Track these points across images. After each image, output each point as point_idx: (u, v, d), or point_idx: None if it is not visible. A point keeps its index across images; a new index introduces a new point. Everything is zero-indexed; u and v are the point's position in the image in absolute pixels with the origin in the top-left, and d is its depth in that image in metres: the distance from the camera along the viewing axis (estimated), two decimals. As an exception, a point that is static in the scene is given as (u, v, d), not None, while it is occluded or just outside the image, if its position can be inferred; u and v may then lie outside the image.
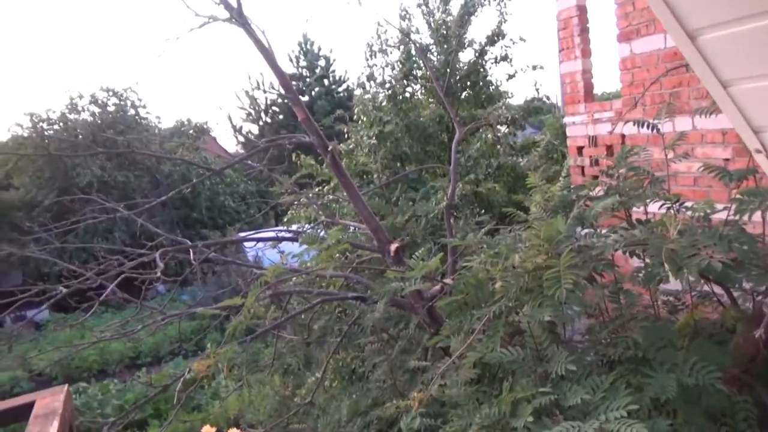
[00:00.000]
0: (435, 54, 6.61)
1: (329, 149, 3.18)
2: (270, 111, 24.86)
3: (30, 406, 1.15)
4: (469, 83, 6.83)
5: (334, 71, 25.85)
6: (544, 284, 1.89)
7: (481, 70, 6.80)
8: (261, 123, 24.85)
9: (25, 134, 19.27)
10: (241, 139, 24.86)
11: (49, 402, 1.15)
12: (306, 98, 24.39)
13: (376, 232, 3.38)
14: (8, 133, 19.73)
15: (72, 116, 19.66)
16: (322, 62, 25.59)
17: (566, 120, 4.83)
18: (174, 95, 49.88)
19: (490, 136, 7.45)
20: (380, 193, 5.51)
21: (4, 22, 46.54)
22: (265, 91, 25.48)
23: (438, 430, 2.15)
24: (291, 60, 25.30)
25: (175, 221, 19.16)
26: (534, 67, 6.96)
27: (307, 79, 24.92)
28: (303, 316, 4.37)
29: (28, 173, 18.94)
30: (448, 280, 2.74)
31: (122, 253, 3.81)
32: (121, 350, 14.16)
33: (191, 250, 3.49)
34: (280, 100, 24.66)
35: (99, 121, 19.52)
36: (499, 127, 7.15)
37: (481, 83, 6.86)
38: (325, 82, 25.18)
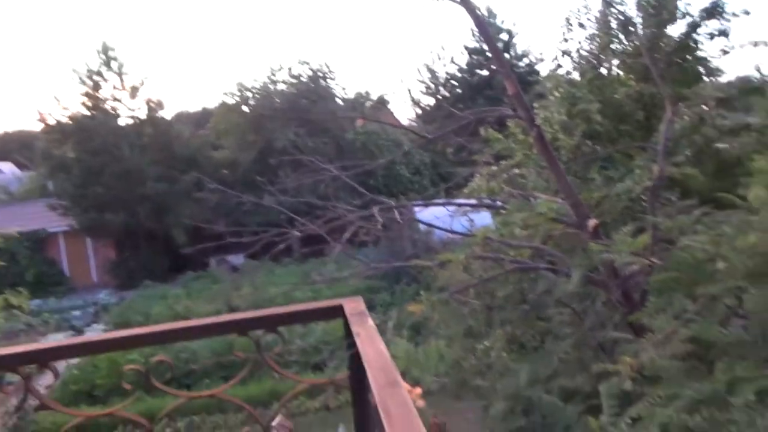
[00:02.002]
0: (640, 27, 6.24)
1: (536, 125, 3.27)
2: (448, 85, 25.12)
3: (339, 307, 1.47)
4: (677, 59, 6.36)
5: (515, 45, 25.26)
6: (778, 268, 1.85)
7: (693, 45, 6.27)
8: (439, 96, 25.23)
9: (233, 102, 21.75)
10: (419, 111, 25.49)
11: (356, 306, 1.45)
12: (486, 72, 24.21)
13: (576, 206, 3.42)
14: (219, 101, 22.40)
15: (271, 87, 21.72)
16: (504, 36, 25.12)
17: (795, 101, 4.33)
18: (357, 67, 52.39)
19: (688, 118, 6.89)
20: (571, 170, 5.44)
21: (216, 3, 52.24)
22: (446, 64, 25.71)
23: (640, 397, 2.21)
24: (473, 34, 25.21)
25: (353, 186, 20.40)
26: (756, 44, 6.23)
27: (487, 53, 24.67)
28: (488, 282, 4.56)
29: (234, 136, 21.40)
30: (655, 259, 2.72)
31: (312, 211, 4.26)
32: (302, 299, 15.63)
33: (397, 211, 3.82)
34: (458, 74, 24.78)
35: (295, 91, 21.32)
36: (705, 107, 6.58)
37: (690, 59, 6.34)
38: (506, 56, 24.72)
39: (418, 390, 7.61)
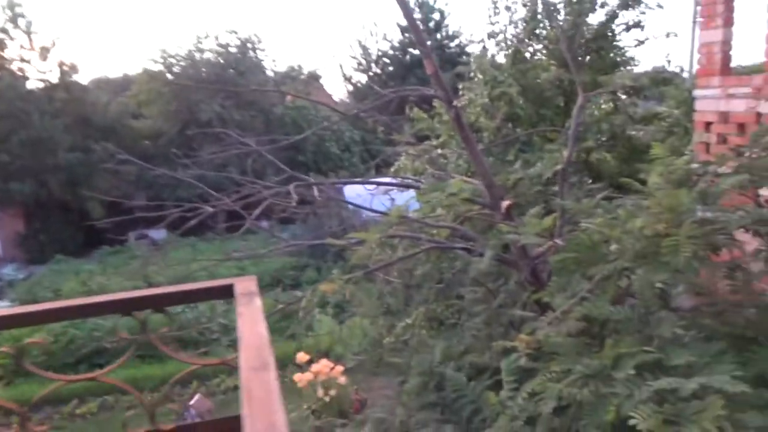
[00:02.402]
0: (562, 14, 6.42)
1: (454, 104, 3.30)
2: (380, 62, 25.02)
3: (230, 287, 1.43)
4: (594, 47, 6.60)
5: (447, 26, 25.44)
6: (662, 251, 1.96)
7: (610, 34, 6.53)
8: (371, 74, 25.11)
9: (156, 69, 20.74)
10: (350, 88, 25.28)
11: (247, 285, 1.41)
12: (416, 51, 24.27)
13: (491, 188, 3.50)
14: (142, 67, 21.29)
15: (198, 55, 20.85)
16: (436, 15, 25.24)
17: (696, 93, 4.61)
18: (287, 40, 51.17)
19: (605, 105, 7.21)
20: (491, 152, 5.56)
21: (142, -39, 49.29)
22: (379, 41, 25.58)
23: (537, 372, 2.31)
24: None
25: (282, 162, 20.07)
26: (668, 35, 6.57)
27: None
28: (408, 261, 4.62)
29: (156, 106, 20.45)
30: (558, 241, 2.84)
31: (235, 184, 4.16)
32: (226, 275, 15.34)
33: (315, 188, 3.78)
34: (390, 52, 24.72)
35: (222, 61, 20.58)
36: (619, 94, 6.90)
37: (607, 48, 6.60)
38: (438, 36, 24.88)
39: (340, 368, 7.65)
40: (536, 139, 6.87)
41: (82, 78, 20.10)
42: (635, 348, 2.01)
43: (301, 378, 8.54)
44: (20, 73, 18.13)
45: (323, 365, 8.40)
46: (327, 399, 8.57)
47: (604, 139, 7.06)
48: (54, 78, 18.67)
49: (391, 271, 4.44)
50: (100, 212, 17.88)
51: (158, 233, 19.02)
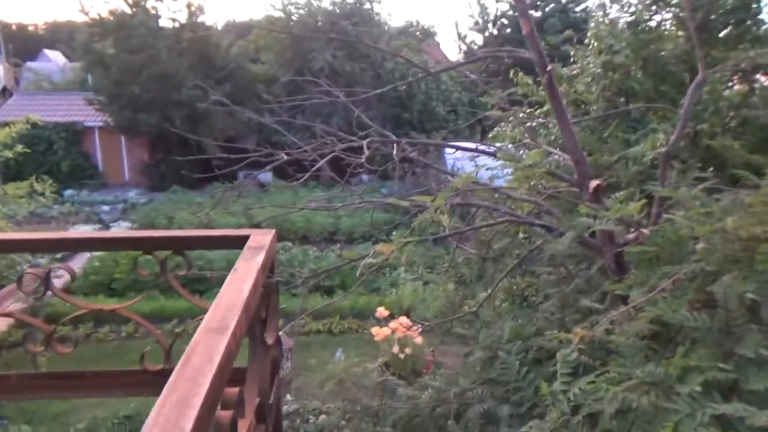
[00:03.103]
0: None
1: (548, 69, 3.04)
2: (498, 23, 24.01)
3: (245, 237, 1.40)
4: (734, 20, 5.82)
5: (575, -12, 23.82)
6: (757, 257, 1.69)
7: (755, 6, 5.71)
8: (486, 34, 24.19)
9: (276, 16, 21.25)
10: (464, 47, 24.57)
11: (261, 239, 1.38)
12: (538, 13, 23.00)
13: (579, 164, 3.22)
14: (264, 12, 21.90)
15: (315, 3, 21.07)
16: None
17: None
18: (409, -6, 50.42)
19: (738, 85, 6.40)
20: (593, 126, 5.15)
21: None
22: (497, 0, 24.52)
23: (593, 372, 2.13)
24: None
25: (387, 118, 20.11)
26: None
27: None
28: (486, 232, 4.45)
29: (273, 52, 21.05)
30: (645, 230, 2.56)
31: (337, 136, 4.16)
32: (323, 223, 15.80)
33: (395, 145, 3.68)
34: (510, 13, 23.61)
35: (338, 11, 20.67)
36: (759, 76, 6.08)
37: (749, 21, 5.80)
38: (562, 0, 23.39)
39: (416, 328, 7.65)
40: (651, 118, 6.27)
41: (209, 19, 21.04)
42: (708, 362, 1.77)
43: (378, 332, 8.72)
44: (153, 11, 19.27)
45: (401, 323, 8.52)
46: (401, 356, 8.70)
47: (732, 124, 6.30)
48: (182, 18, 19.69)
49: (467, 240, 4.29)
50: (214, 149, 18.97)
51: (265, 176, 19.89)
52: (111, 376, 1.52)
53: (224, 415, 0.88)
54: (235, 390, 0.94)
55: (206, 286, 10.80)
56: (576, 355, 2.09)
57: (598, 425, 2.23)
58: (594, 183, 3.13)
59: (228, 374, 0.89)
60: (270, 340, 1.42)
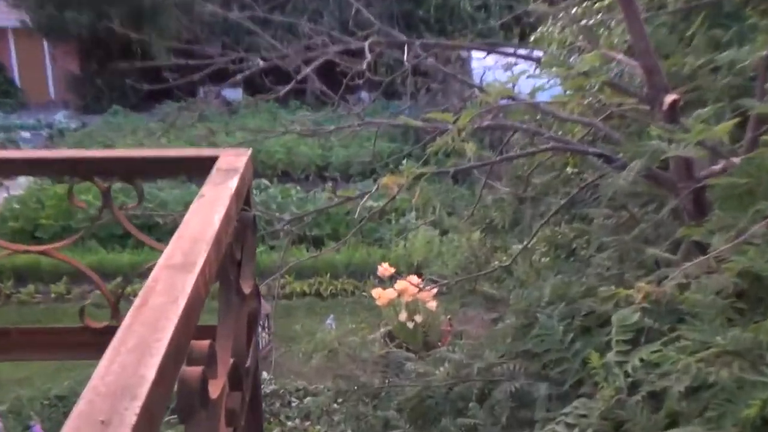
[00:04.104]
0: None
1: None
2: None
3: (213, 159, 1.39)
4: None
5: None
6: None
7: None
8: None
9: None
10: None
11: (233, 160, 1.37)
12: None
13: (651, 73, 3.18)
14: None
15: None
16: None
17: None
18: None
19: None
20: (671, 23, 5.04)
21: None
22: None
23: (660, 338, 2.16)
24: None
25: (395, 16, 19.73)
26: None
27: None
28: (524, 164, 4.44)
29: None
30: (735, 159, 2.55)
31: (329, 37, 4.09)
32: (310, 155, 15.73)
33: (406, 48, 3.63)
34: None
35: None
36: None
37: None
38: None
39: (432, 289, 7.76)
40: (749, 13, 6.12)
41: None
42: (809, 325, 1.80)
43: (381, 295, 8.78)
44: None
45: (411, 283, 8.57)
46: (410, 325, 8.83)
47: None
48: None
49: (498, 175, 4.29)
50: (165, 57, 18.74)
51: (234, 92, 19.73)
52: (43, 334, 1.54)
53: (192, 371, 0.89)
54: (204, 343, 0.96)
55: (160, 234, 10.90)
56: (638, 316, 2.12)
57: (663, 406, 2.29)
58: (670, 97, 3.10)
59: (195, 321, 0.91)
60: (246, 289, 1.43)
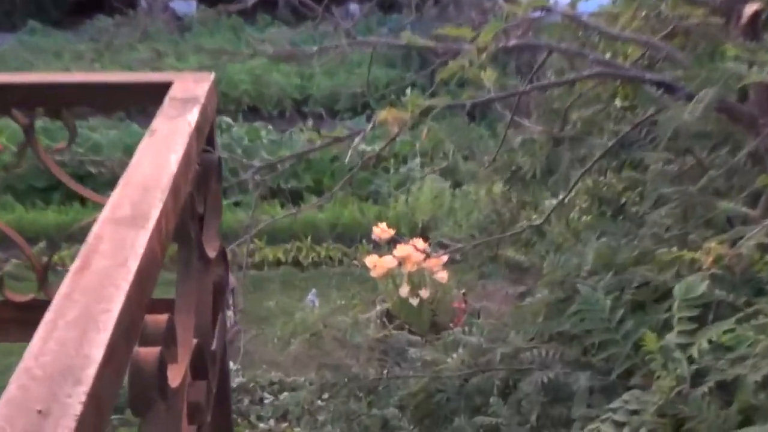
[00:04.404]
0: None
1: None
2: None
3: (166, 86, 1.38)
4: None
5: None
6: None
7: None
8: None
9: None
10: None
11: (192, 87, 1.36)
12: None
13: (727, -25, 3.17)
14: None
15: None
16: None
17: None
18: None
19: None
20: None
21: None
22: None
23: (733, 314, 2.19)
24: None
25: None
26: None
27: None
28: (561, 96, 4.42)
29: None
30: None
31: None
32: (285, 87, 15.59)
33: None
34: None
35: None
36: None
37: None
38: None
39: (443, 257, 7.82)
40: None
41: None
42: None
43: (376, 264, 8.78)
44: None
45: (415, 247, 8.56)
46: (414, 301, 8.87)
47: None
48: None
49: (527, 111, 4.27)
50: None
51: (186, 4, 19.52)
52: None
53: (147, 352, 0.90)
54: (161, 317, 0.97)
55: (94, 186, 10.85)
56: (706, 286, 2.14)
57: (735, 399, 2.32)
58: (751, 7, 3.10)
59: (151, 290, 0.91)
60: (212, 252, 1.43)
